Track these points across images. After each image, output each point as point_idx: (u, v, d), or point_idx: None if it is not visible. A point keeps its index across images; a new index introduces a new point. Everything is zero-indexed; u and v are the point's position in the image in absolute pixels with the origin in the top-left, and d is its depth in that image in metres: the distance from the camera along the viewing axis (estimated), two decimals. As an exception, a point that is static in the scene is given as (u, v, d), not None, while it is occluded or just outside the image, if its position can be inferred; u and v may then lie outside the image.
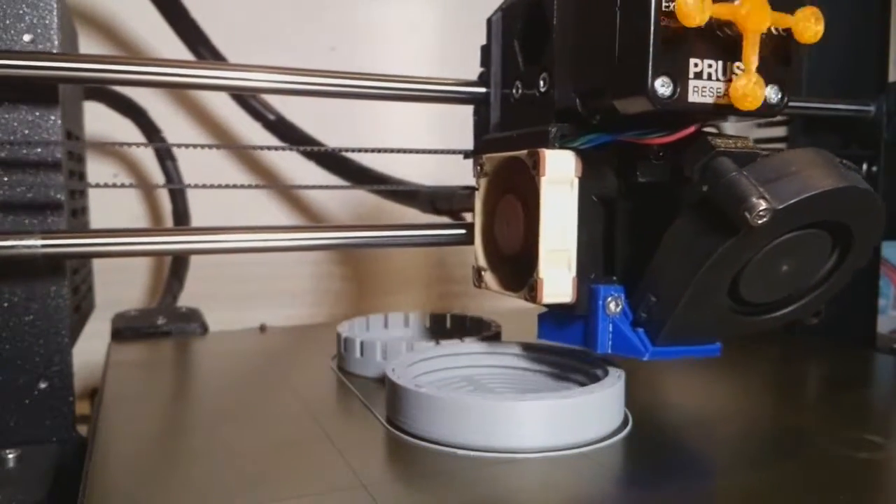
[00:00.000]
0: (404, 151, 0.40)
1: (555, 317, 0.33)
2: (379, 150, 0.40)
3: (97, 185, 0.37)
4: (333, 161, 0.63)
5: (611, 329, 0.31)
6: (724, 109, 0.27)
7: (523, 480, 0.26)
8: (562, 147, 0.30)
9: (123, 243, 0.36)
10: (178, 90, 0.66)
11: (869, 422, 0.35)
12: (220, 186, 0.38)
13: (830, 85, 0.51)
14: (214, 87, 0.37)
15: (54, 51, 0.36)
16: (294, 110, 0.64)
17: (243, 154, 0.69)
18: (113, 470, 0.28)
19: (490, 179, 0.35)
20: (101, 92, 0.60)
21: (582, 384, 0.33)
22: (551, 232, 0.30)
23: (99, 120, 0.59)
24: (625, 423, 0.32)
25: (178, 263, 0.65)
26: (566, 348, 0.35)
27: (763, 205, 0.25)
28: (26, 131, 0.36)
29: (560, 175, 0.30)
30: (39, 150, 0.36)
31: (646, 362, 0.40)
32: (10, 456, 0.35)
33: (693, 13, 0.24)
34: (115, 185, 0.37)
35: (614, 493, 0.26)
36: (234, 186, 0.38)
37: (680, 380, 0.42)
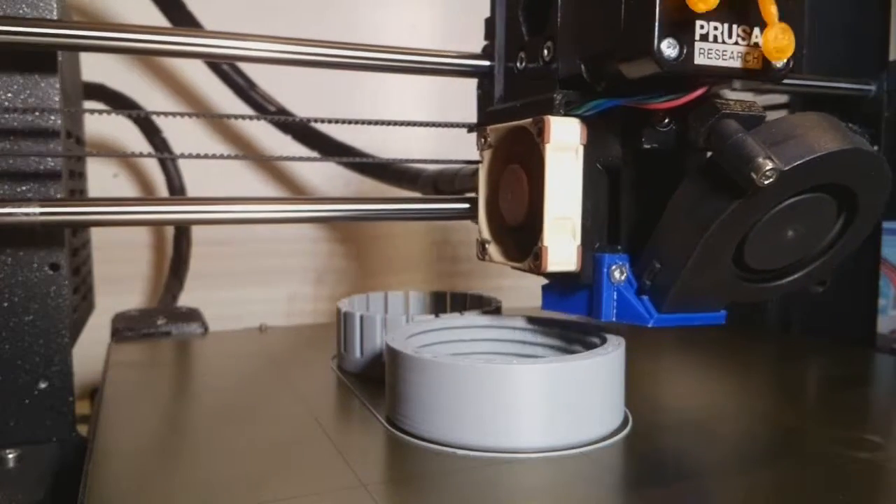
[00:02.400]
0: (404, 124, 0.39)
1: (559, 287, 0.33)
2: (377, 123, 0.39)
3: (94, 154, 0.37)
4: (337, 150, 0.63)
5: (615, 297, 0.31)
6: (731, 72, 0.27)
7: (523, 480, 0.26)
8: (567, 114, 0.30)
9: (122, 212, 0.35)
10: (183, 91, 0.67)
11: (869, 422, 0.35)
12: (209, 157, 0.37)
13: (831, 63, 0.51)
14: (212, 56, 0.36)
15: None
16: (298, 99, 0.65)
17: (245, 148, 0.69)
18: (113, 470, 0.28)
19: (494, 151, 0.35)
20: (102, 92, 0.60)
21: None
22: (556, 199, 0.30)
23: (99, 120, 0.59)
24: (625, 423, 0.32)
25: (178, 263, 0.65)
26: (568, 321, 0.36)
27: (769, 164, 0.25)
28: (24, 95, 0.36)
29: (565, 142, 0.30)
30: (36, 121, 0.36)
31: (647, 361, 0.40)
32: (10, 456, 0.35)
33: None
34: (107, 154, 0.36)
35: (614, 493, 0.26)
36: (223, 157, 0.38)
37: (680, 380, 0.42)
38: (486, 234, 0.36)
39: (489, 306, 0.42)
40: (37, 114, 0.36)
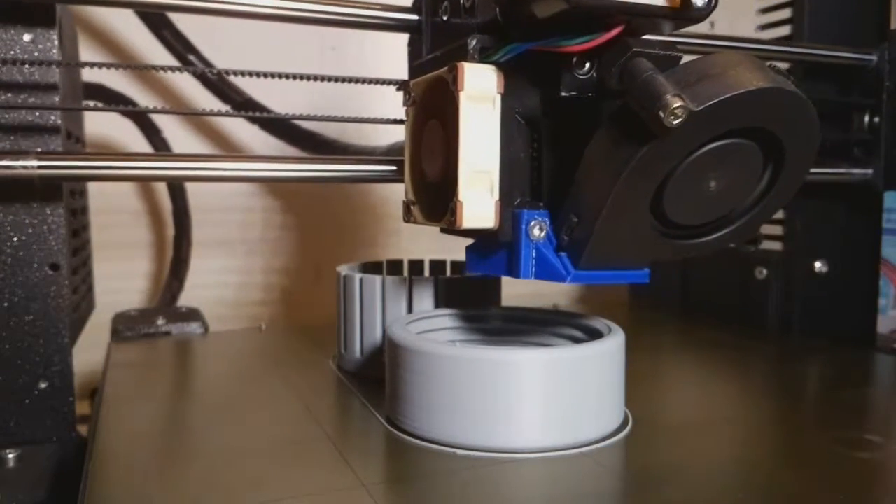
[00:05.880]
0: (327, 79, 0.37)
1: (480, 246, 0.32)
2: (307, 78, 0.37)
3: (88, 109, 0.36)
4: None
5: (534, 255, 0.29)
6: (646, 9, 0.25)
7: (523, 480, 0.26)
8: (482, 62, 0.28)
9: (120, 167, 0.35)
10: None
11: (869, 422, 0.35)
12: (195, 113, 0.37)
13: (832, 32, 0.50)
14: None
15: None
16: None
17: (234, 149, 0.69)
18: (113, 470, 0.28)
19: (417, 107, 0.33)
20: (103, 92, 0.60)
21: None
22: (472, 152, 0.28)
23: (99, 121, 0.59)
24: (625, 423, 0.32)
25: (178, 263, 0.65)
26: (568, 311, 0.36)
27: (678, 102, 0.23)
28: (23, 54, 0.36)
29: (480, 90, 0.28)
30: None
31: (647, 361, 0.39)
32: (10, 456, 0.35)
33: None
34: (102, 109, 0.35)
35: (614, 493, 0.26)
36: (209, 114, 0.37)
37: (680, 380, 0.42)
38: (411, 195, 0.34)
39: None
40: (35, 68, 0.36)
